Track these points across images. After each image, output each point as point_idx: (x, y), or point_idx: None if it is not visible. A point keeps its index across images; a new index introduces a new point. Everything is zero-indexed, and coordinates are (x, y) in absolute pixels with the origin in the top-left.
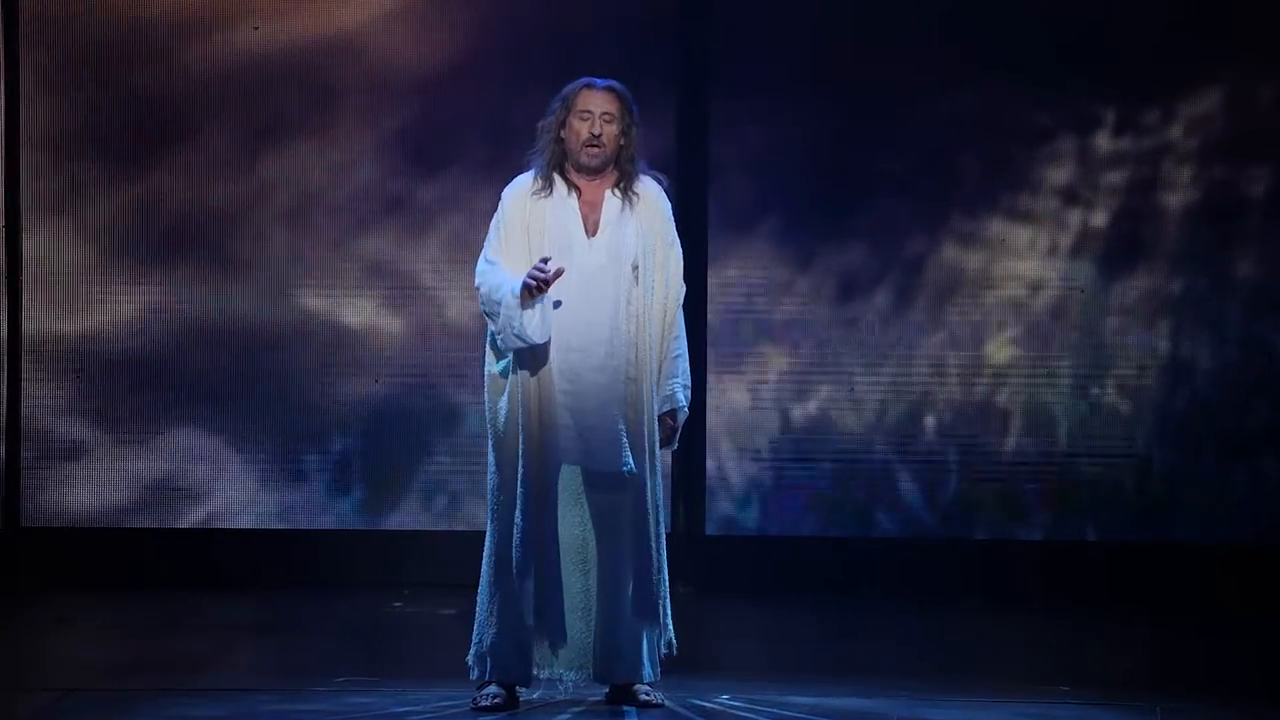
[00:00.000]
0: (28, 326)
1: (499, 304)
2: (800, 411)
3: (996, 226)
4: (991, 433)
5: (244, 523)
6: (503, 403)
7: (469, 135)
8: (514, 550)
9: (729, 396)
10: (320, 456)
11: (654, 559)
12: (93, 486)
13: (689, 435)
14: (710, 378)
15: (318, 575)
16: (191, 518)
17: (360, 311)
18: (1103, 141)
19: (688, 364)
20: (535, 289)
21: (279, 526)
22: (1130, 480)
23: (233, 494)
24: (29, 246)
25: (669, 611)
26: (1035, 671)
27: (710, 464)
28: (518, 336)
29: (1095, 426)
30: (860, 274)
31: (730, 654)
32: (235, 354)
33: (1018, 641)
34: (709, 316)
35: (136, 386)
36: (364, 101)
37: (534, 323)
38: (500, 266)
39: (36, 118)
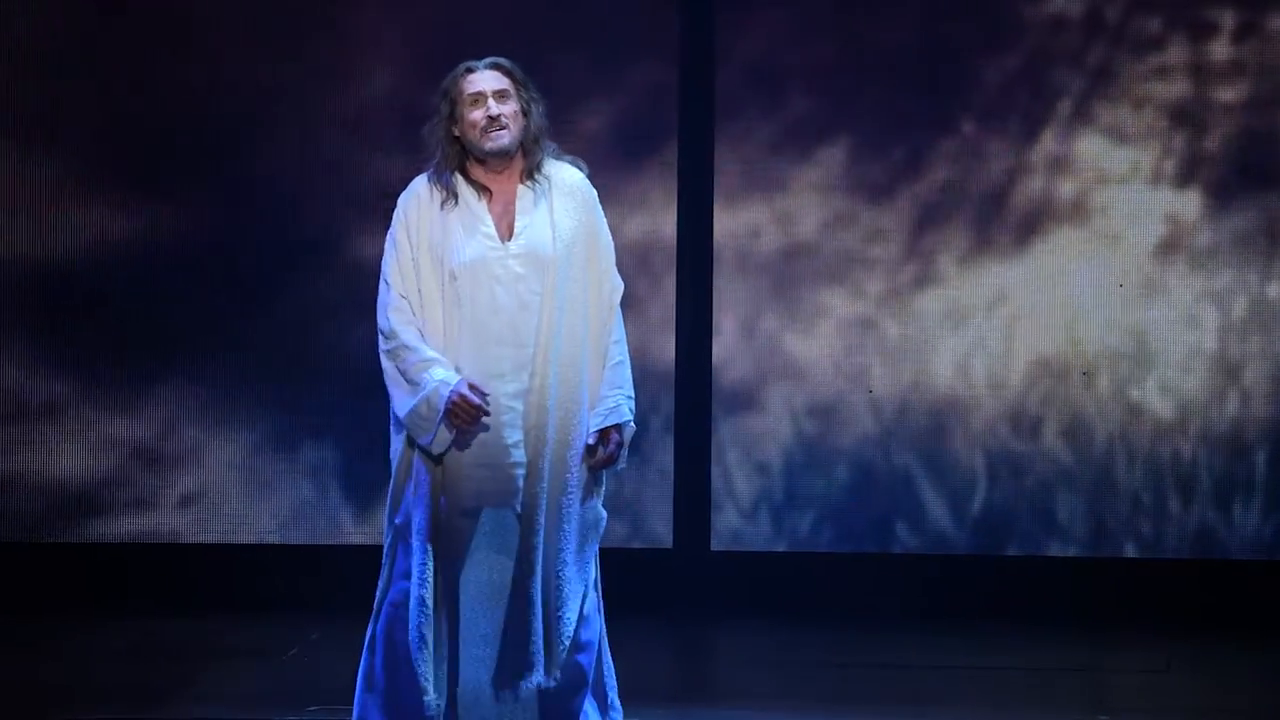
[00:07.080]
0: None
1: (419, 390)
2: (813, 414)
3: (1091, 147)
4: (1024, 436)
5: (212, 536)
6: (399, 443)
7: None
8: (412, 608)
9: (734, 397)
10: (291, 464)
11: (562, 605)
12: (42, 480)
13: (690, 438)
14: None
15: (290, 594)
16: (157, 528)
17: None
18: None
19: (629, 371)
20: (464, 420)
21: (251, 540)
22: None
23: (214, 492)
24: None
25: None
26: (1071, 698)
27: (715, 471)
28: (419, 442)
29: (1133, 425)
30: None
31: (736, 680)
32: (226, 294)
33: (1051, 666)
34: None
35: (103, 338)
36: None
37: (444, 441)
38: (411, 313)
39: (6, 20)
